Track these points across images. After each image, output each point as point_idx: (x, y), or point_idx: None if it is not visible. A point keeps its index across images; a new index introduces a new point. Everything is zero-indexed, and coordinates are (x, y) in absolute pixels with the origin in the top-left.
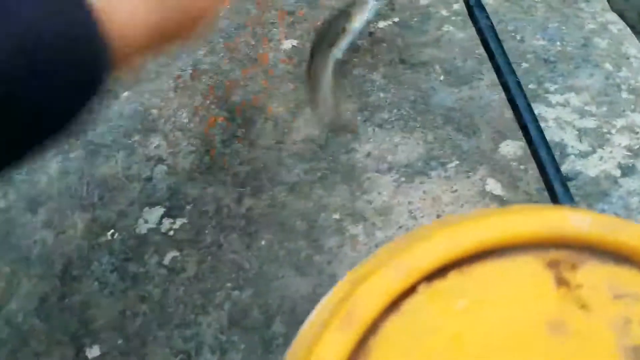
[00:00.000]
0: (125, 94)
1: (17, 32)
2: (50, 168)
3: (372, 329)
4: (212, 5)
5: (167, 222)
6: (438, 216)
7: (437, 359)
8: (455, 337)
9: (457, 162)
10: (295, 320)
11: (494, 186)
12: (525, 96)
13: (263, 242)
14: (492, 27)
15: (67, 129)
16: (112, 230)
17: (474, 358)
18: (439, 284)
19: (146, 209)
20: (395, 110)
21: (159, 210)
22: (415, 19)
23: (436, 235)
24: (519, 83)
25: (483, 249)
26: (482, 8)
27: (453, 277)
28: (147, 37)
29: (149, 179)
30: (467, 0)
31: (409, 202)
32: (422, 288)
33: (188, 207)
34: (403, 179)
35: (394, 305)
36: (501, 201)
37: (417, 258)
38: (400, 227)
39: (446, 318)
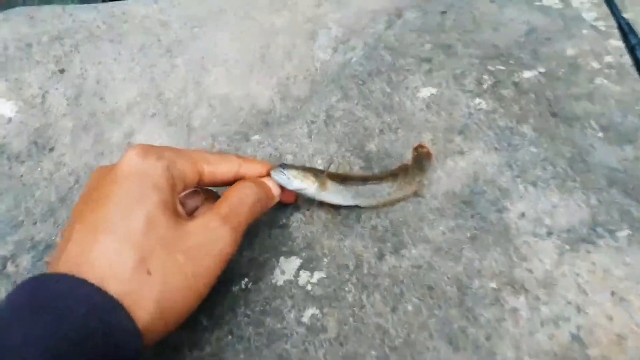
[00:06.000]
0: (257, 136)
1: (62, 333)
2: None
3: None
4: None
5: (304, 275)
6: (612, 293)
7: None
8: None
9: (629, 230)
10: None
11: None
12: None
13: (410, 307)
14: None
15: None
16: (246, 279)
17: None
18: None
19: (282, 258)
20: (549, 168)
21: (296, 262)
22: (563, 70)
23: None
24: None
25: None
26: None
27: None
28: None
29: (285, 227)
30: (638, 58)
31: (576, 274)
32: None
33: (325, 259)
34: (567, 246)
35: None
36: None
37: None
38: (568, 303)
39: None
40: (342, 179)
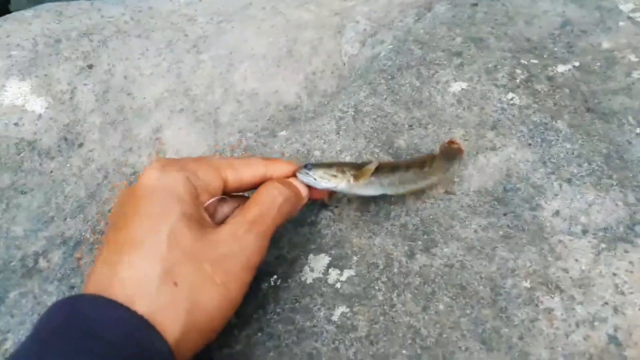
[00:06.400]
0: (284, 132)
1: (100, 352)
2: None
3: None
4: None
5: (334, 273)
6: None
7: None
8: None
9: None
10: None
11: None
12: None
13: (441, 307)
14: None
15: None
16: (275, 276)
17: None
18: None
19: (311, 256)
20: (585, 165)
21: (325, 259)
22: (599, 64)
23: None
24: None
25: None
26: None
27: None
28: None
29: (313, 224)
30: None
31: (614, 274)
32: None
33: (355, 257)
34: (603, 245)
35: None
36: None
37: None
38: (605, 304)
39: None
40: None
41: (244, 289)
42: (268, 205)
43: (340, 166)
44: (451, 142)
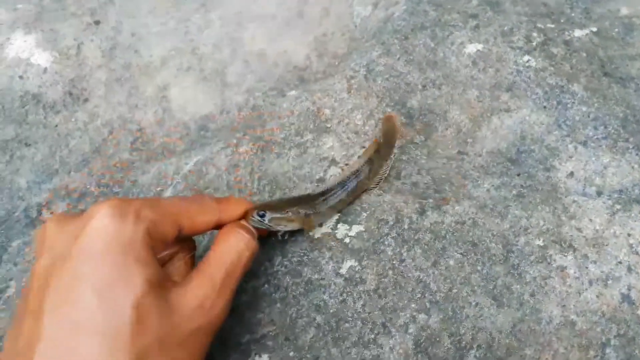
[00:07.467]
0: (293, 92)
1: None
2: (220, 161)
3: None
4: None
5: (342, 228)
6: None
7: None
8: None
9: None
10: (493, 357)
11: None
12: None
13: (451, 262)
14: None
15: None
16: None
17: None
18: None
19: None
20: (601, 128)
21: (334, 215)
22: (617, 30)
23: None
24: None
25: None
26: None
27: None
28: None
29: (322, 181)
30: None
31: (628, 234)
32: None
33: (364, 214)
34: (618, 206)
35: None
36: None
37: None
38: (619, 263)
39: None
40: (324, 202)
41: (205, 356)
42: (235, 262)
43: (293, 206)
44: (388, 117)
